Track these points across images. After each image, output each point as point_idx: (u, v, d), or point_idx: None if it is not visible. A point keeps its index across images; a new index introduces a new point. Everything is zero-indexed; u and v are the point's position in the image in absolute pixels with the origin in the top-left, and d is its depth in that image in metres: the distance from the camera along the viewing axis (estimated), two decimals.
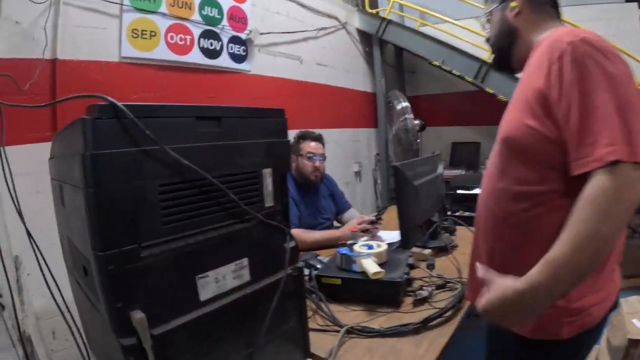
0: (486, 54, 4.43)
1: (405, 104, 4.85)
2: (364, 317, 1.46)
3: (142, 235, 0.77)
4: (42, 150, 1.32)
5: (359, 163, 5.55)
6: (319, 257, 1.97)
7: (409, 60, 6.34)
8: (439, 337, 1.31)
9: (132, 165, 0.75)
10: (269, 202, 0.97)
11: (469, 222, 2.02)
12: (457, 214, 2.76)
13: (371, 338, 1.33)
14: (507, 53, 1.23)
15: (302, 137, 2.69)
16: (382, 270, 1.54)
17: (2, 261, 1.24)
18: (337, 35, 5.19)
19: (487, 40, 1.31)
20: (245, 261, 0.93)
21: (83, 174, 0.72)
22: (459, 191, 3.42)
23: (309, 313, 1.34)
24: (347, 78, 5.39)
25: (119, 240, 0.74)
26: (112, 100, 0.72)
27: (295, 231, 2.27)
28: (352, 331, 1.35)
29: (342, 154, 5.23)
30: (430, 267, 1.86)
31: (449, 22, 5.06)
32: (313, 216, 2.65)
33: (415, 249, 2.03)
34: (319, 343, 1.26)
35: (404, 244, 1.98)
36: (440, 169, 2.60)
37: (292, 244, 1.03)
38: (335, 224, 2.84)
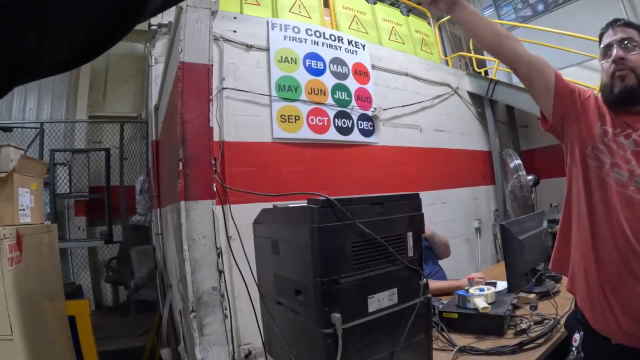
0: None
1: (518, 161, 5.17)
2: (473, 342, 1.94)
3: (341, 270, 1.37)
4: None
5: (478, 220, 5.82)
6: (440, 301, 2.47)
7: (520, 115, 6.57)
8: (530, 356, 1.75)
9: (337, 232, 1.36)
10: (410, 254, 1.53)
11: None
12: None
13: (478, 356, 1.81)
14: None
15: None
16: (489, 306, 2.02)
17: (225, 284, 1.91)
18: (450, 101, 5.66)
19: (620, 65, 1.50)
20: (395, 290, 1.49)
21: (311, 236, 1.34)
22: None
23: (433, 338, 1.85)
24: (463, 140, 5.78)
25: (329, 273, 1.35)
26: (327, 197, 1.34)
27: None
28: (463, 350, 1.85)
29: (463, 212, 5.57)
30: (533, 308, 2.26)
31: None
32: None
33: (521, 294, 2.44)
34: (438, 358, 1.76)
35: (510, 288, 2.40)
36: (545, 223, 2.96)
37: (424, 281, 1.58)
38: None
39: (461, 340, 1.96)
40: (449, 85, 5.66)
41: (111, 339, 4.67)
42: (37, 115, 6.60)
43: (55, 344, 2.87)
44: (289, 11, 4.50)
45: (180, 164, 1.81)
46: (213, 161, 1.85)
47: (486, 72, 6.38)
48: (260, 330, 1.99)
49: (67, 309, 3.27)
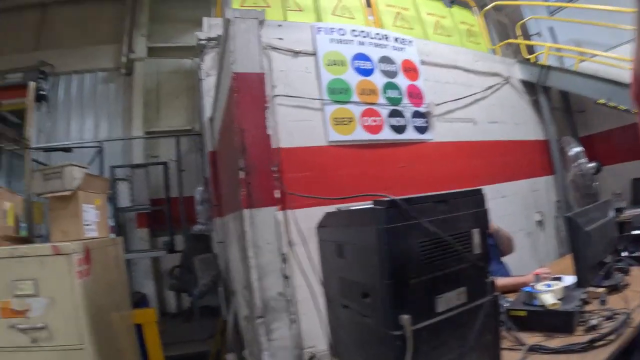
0: None
1: (578, 148, 4.97)
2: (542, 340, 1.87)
3: (410, 270, 1.36)
4: None
5: (540, 212, 5.56)
6: (506, 298, 2.40)
7: (576, 99, 6.28)
8: (601, 354, 1.66)
9: (405, 231, 1.36)
10: (476, 251, 1.50)
11: None
12: (635, 254, 2.93)
13: (547, 355, 1.73)
14: None
15: None
16: (558, 302, 1.96)
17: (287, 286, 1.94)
18: (502, 91, 5.44)
19: None
20: (463, 289, 1.47)
21: (378, 238, 1.34)
22: (633, 232, 3.53)
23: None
24: (517, 130, 5.54)
25: (397, 274, 1.34)
26: (392, 197, 1.34)
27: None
28: (533, 349, 1.78)
29: (522, 205, 5.36)
30: (602, 302, 2.15)
31: (600, 55, 5.12)
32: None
33: (590, 288, 2.33)
34: (507, 358, 1.69)
35: (579, 283, 2.30)
36: (611, 213, 2.83)
37: (491, 279, 1.54)
38: None
39: (529, 338, 1.88)
40: (499, 75, 5.43)
41: (176, 344, 4.84)
42: (95, 134, 6.98)
43: (123, 352, 3.03)
44: (332, 14, 4.52)
45: (242, 172, 1.85)
46: (274, 168, 1.89)
47: (537, 58, 6.14)
48: (325, 334, 2.01)
49: (134, 318, 3.44)
